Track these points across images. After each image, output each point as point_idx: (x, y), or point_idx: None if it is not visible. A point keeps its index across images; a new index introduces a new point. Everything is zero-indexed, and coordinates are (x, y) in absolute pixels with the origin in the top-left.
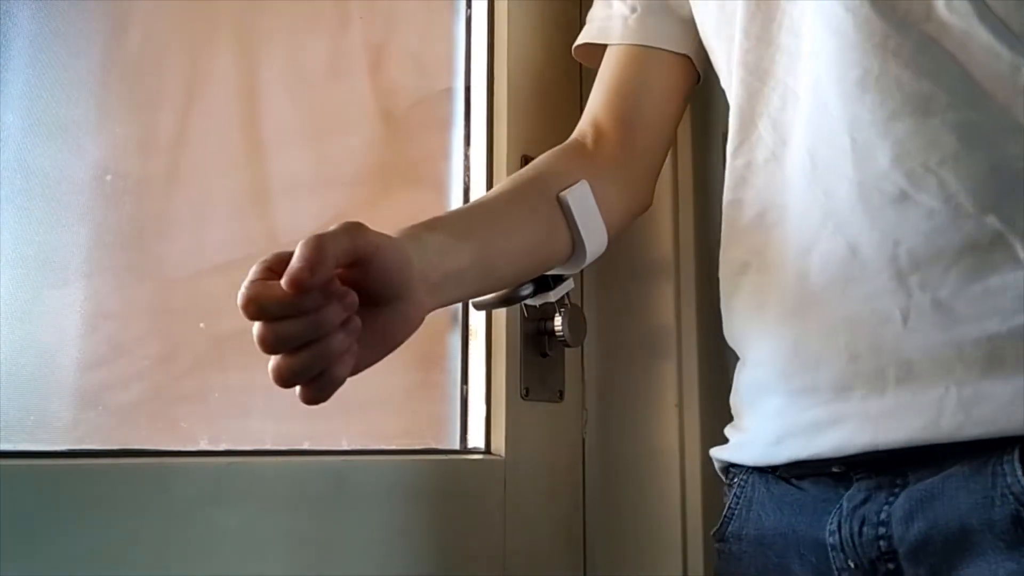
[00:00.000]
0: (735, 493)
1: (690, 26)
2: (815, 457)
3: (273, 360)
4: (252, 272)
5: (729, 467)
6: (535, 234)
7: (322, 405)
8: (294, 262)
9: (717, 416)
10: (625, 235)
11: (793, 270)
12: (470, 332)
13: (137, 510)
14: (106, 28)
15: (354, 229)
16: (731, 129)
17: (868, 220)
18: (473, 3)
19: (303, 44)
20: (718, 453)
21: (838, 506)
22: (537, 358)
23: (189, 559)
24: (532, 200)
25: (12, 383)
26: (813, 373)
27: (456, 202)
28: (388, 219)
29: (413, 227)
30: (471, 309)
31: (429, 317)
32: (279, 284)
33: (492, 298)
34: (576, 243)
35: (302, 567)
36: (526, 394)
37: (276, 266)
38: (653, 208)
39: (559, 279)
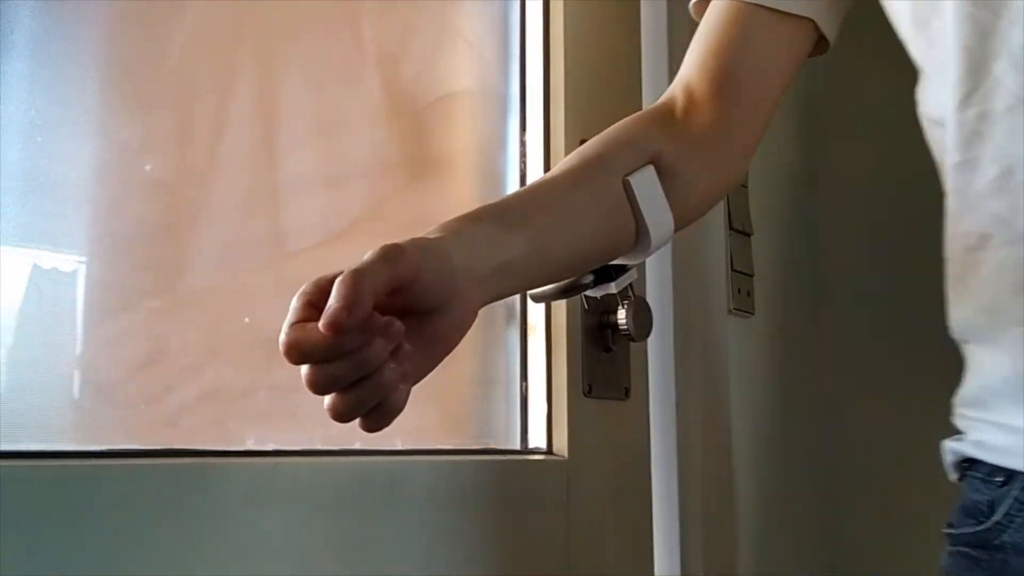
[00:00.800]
0: (1018, 498)
1: None
2: None
3: (327, 398)
4: (292, 309)
5: (994, 468)
6: (596, 220)
7: None
8: (331, 303)
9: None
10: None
11: None
12: (529, 326)
13: (177, 512)
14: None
15: (392, 256)
16: (953, 77)
17: None
18: None
19: (336, 37)
20: (979, 453)
21: None
22: (600, 353)
23: (230, 564)
24: (594, 182)
25: (48, 382)
26: None
27: (513, 189)
28: (440, 208)
29: (458, 220)
30: (529, 302)
31: (486, 311)
32: (317, 330)
33: (550, 290)
34: (640, 231)
35: (350, 570)
36: (589, 391)
37: (316, 298)
38: None
39: (621, 269)
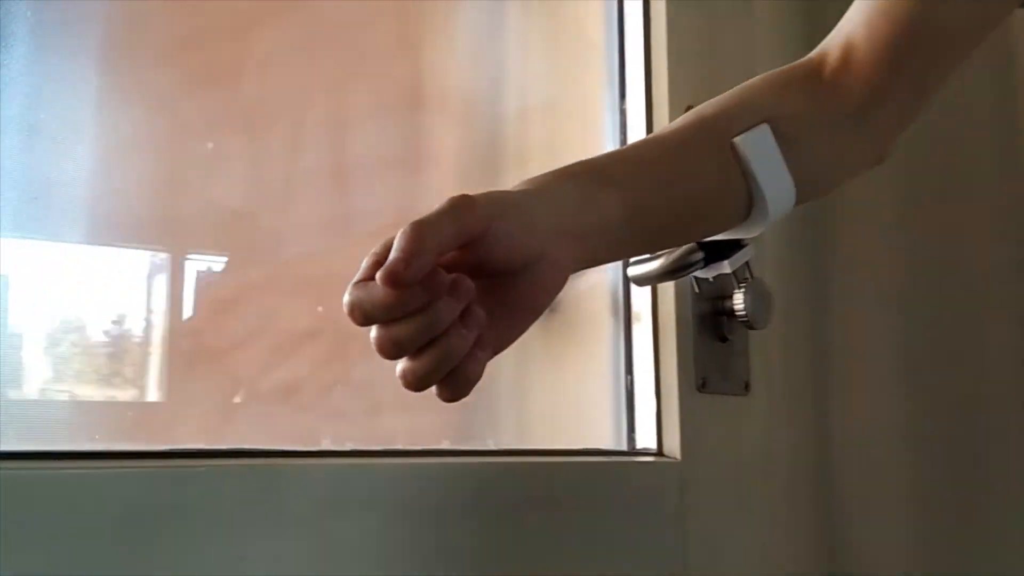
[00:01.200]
0: None
1: None
2: None
3: (398, 365)
4: (362, 267)
5: None
6: (704, 183)
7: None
8: (390, 256)
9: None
10: None
11: None
12: (633, 315)
13: (246, 517)
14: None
15: (460, 206)
16: None
17: None
18: None
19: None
20: None
21: None
22: (715, 343)
23: (303, 574)
24: (705, 142)
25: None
26: None
27: None
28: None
29: (547, 174)
30: (632, 286)
31: (583, 297)
32: (379, 288)
33: (655, 269)
34: (755, 199)
35: None
36: (703, 386)
37: (384, 257)
38: None
39: (736, 246)
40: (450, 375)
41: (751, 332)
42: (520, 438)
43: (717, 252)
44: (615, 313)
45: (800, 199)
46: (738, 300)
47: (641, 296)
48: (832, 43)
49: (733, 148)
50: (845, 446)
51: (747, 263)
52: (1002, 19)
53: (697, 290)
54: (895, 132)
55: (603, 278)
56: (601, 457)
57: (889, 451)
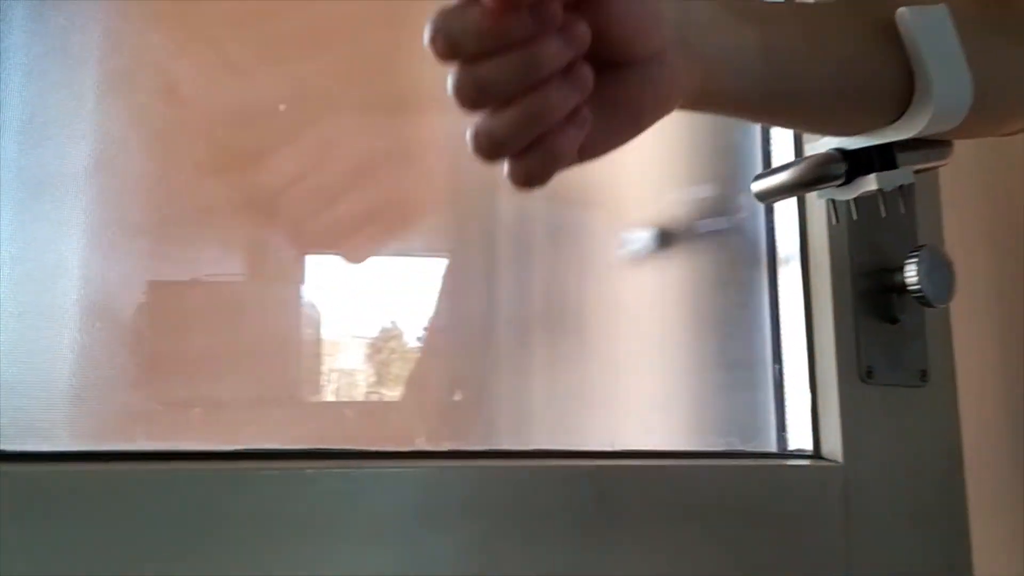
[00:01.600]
0: None
1: None
2: None
3: (474, 125)
4: None
5: None
6: (855, 54)
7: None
8: None
9: None
10: None
11: None
12: (779, 290)
13: (320, 524)
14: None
15: None
16: None
17: None
18: None
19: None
20: None
21: None
22: (883, 325)
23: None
24: (859, 14)
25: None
26: None
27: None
28: None
29: None
30: (779, 256)
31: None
32: (476, 9)
33: (787, 179)
34: (917, 89)
35: None
36: (869, 375)
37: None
38: None
39: (889, 157)
40: (533, 145)
41: (927, 311)
42: (646, 438)
43: (863, 161)
44: (759, 291)
45: (975, 109)
46: (910, 272)
47: (788, 270)
48: None
49: (900, 22)
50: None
51: (903, 187)
52: None
53: (835, 219)
54: None
55: (746, 246)
56: (746, 460)
57: None
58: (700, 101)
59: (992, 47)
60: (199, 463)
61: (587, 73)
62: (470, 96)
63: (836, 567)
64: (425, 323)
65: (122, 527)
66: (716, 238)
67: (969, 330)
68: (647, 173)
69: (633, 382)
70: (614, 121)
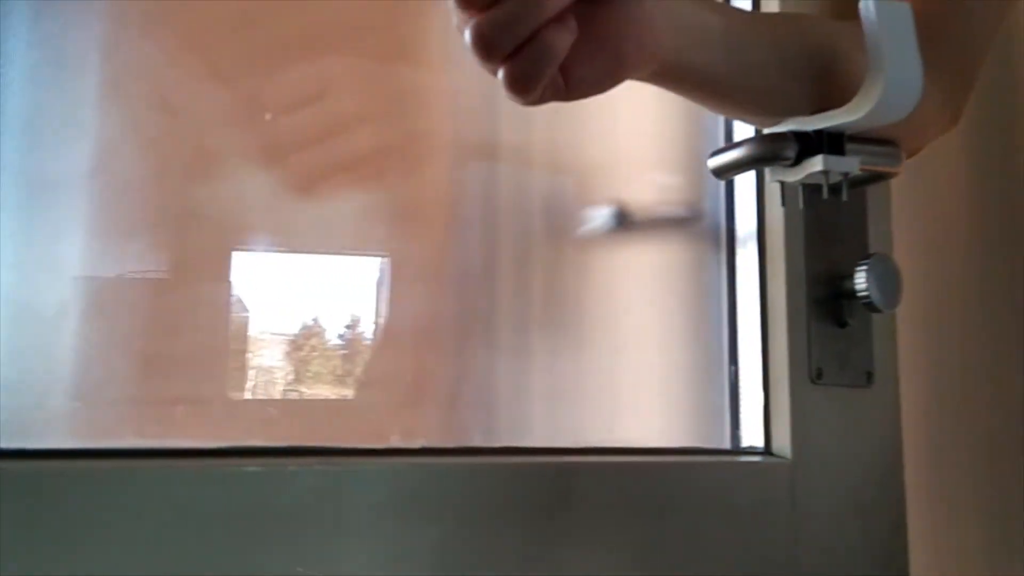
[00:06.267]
0: None
1: None
2: None
3: (472, 22)
4: None
5: None
6: (809, 36)
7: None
8: None
9: None
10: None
11: None
12: (738, 296)
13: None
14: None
15: None
16: None
17: None
18: None
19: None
20: None
21: None
22: (832, 328)
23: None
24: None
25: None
26: None
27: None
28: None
29: None
30: (737, 272)
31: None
32: None
33: (741, 155)
34: (871, 73)
35: None
36: (818, 376)
37: None
38: None
39: (838, 145)
40: (525, 45)
41: (874, 316)
42: (612, 434)
43: (813, 142)
44: (719, 296)
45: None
46: (860, 279)
47: (746, 276)
48: None
49: (864, 10)
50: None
51: (848, 177)
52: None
53: (783, 203)
54: (962, 92)
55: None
56: (702, 456)
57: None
58: (670, 73)
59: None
60: (171, 460)
61: None
62: (487, 39)
63: (782, 557)
64: (348, 321)
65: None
66: (675, 229)
67: (913, 334)
68: (615, 150)
69: (597, 377)
70: (600, 56)
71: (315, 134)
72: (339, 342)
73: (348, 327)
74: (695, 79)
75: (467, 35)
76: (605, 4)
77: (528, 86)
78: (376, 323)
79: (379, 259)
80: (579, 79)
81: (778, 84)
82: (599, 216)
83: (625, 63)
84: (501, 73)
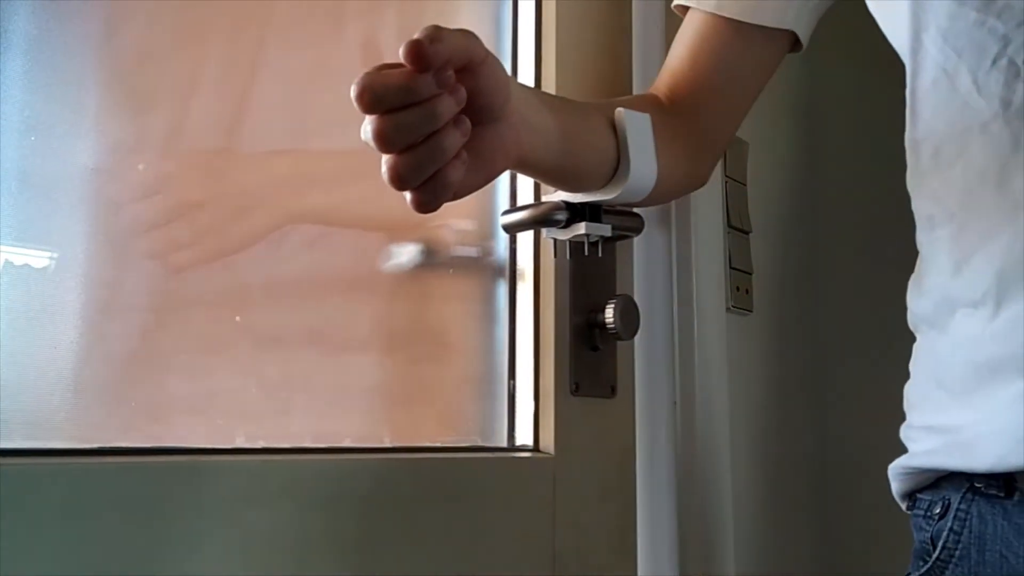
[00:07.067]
0: (952, 528)
1: None
2: None
3: (387, 160)
4: (366, 70)
5: (923, 489)
6: (600, 138)
7: (361, 402)
8: (414, 38)
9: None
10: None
11: None
12: (517, 324)
13: (168, 510)
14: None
15: (468, 32)
16: (903, 54)
17: None
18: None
19: (311, 41)
20: (914, 462)
21: None
22: (587, 351)
23: (221, 562)
24: (599, 110)
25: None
26: None
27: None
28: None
29: None
30: (519, 292)
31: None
32: (393, 72)
33: (524, 217)
34: (620, 165)
35: (340, 568)
36: (576, 389)
37: (387, 67)
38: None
39: (597, 214)
40: (432, 179)
41: (619, 343)
42: (414, 436)
43: (579, 212)
44: (500, 323)
45: (652, 197)
46: (609, 314)
47: (524, 309)
48: (661, 82)
49: (617, 118)
50: (701, 447)
51: (601, 239)
52: (774, 68)
53: (553, 256)
54: (714, 157)
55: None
56: (485, 453)
57: (741, 454)
58: (521, 164)
59: (668, 152)
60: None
61: (468, 123)
62: (388, 138)
63: (545, 535)
64: None
65: None
66: (469, 265)
67: (654, 356)
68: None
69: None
70: (481, 168)
71: None
72: None
73: None
74: (539, 168)
75: (384, 169)
76: (487, 128)
77: (431, 208)
78: None
79: None
80: (465, 186)
81: (594, 166)
82: (407, 252)
83: (497, 168)
84: (408, 196)
